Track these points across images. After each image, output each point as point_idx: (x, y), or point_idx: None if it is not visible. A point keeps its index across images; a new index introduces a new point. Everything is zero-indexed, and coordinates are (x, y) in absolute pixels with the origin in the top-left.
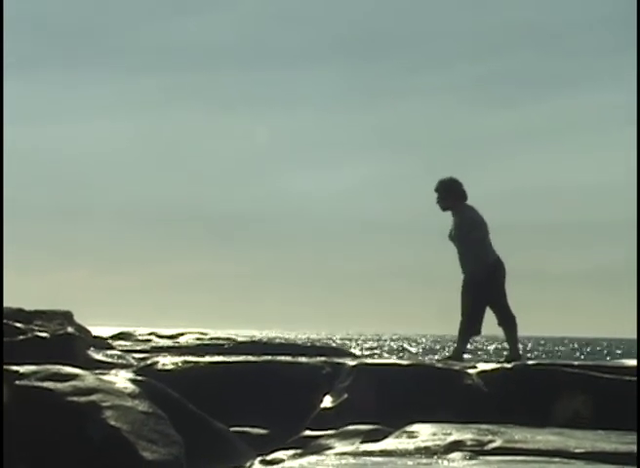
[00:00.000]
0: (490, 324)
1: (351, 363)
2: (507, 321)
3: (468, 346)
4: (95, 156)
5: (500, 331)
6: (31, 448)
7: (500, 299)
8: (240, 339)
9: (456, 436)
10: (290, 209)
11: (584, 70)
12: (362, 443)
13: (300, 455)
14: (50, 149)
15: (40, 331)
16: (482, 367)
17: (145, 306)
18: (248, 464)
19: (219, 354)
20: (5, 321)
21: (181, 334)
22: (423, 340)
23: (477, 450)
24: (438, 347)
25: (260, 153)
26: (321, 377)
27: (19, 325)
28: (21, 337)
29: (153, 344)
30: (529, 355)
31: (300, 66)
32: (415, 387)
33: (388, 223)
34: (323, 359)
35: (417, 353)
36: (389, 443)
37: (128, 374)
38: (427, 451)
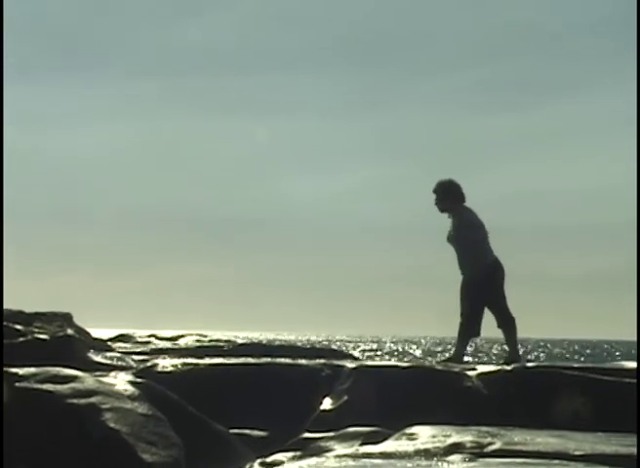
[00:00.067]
0: (491, 326)
1: (351, 365)
2: (507, 323)
3: (469, 349)
4: (95, 159)
5: (501, 334)
6: (31, 451)
7: (498, 301)
8: (240, 341)
9: (455, 438)
10: (290, 212)
11: (585, 74)
12: (361, 445)
13: (300, 457)
14: (50, 152)
15: (40, 333)
16: (482, 369)
17: (145, 308)
18: (247, 466)
19: (218, 356)
20: (5, 323)
21: (181, 336)
22: (423, 342)
23: (477, 453)
24: (438, 349)
25: (260, 157)
26: (321, 379)
27: (18, 327)
28: (21, 339)
29: (153, 346)
30: (529, 357)
31: (301, 70)
32: (414, 389)
33: (388, 226)
34: (323, 361)
35: (417, 355)
36: (389, 445)
37: (127, 376)
38: (427, 453)
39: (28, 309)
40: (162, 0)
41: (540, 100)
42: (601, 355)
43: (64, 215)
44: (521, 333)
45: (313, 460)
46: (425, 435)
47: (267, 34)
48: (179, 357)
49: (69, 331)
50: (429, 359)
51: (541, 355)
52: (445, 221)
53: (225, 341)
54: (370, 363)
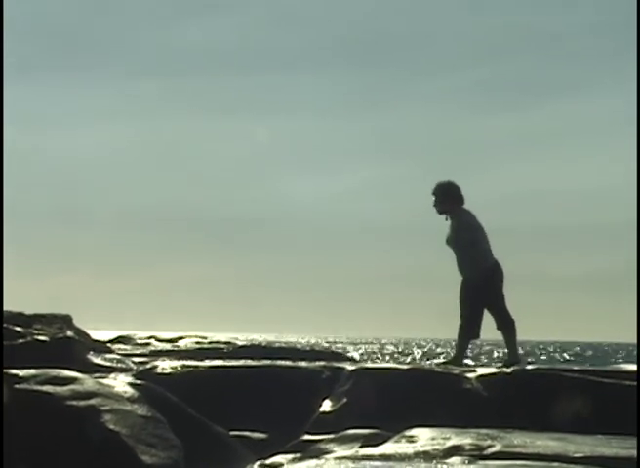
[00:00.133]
0: (492, 329)
1: (351, 367)
2: (506, 325)
3: (469, 352)
4: (95, 159)
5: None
6: (31, 452)
7: (498, 303)
8: (240, 343)
9: (455, 440)
10: (290, 212)
11: (585, 74)
12: (361, 447)
13: (300, 459)
14: (50, 152)
15: (40, 335)
16: (481, 371)
17: (145, 308)
18: None
19: (218, 358)
20: (5, 324)
21: (181, 338)
22: (423, 344)
23: (476, 455)
24: (438, 351)
25: (260, 157)
26: (320, 382)
27: (18, 328)
28: (21, 341)
29: (152, 348)
30: (529, 359)
31: (301, 70)
32: (414, 391)
33: (388, 227)
34: (322, 363)
35: (416, 357)
36: (388, 447)
37: (127, 378)
38: (426, 456)
39: (28, 310)
40: (162, 0)
41: (540, 100)
42: (601, 358)
43: (64, 215)
44: (520, 336)
45: (313, 462)
46: (425, 437)
47: (267, 34)
48: (178, 359)
49: (69, 333)
50: (428, 361)
51: (542, 357)
52: (445, 222)
53: (225, 343)
54: (369, 365)
